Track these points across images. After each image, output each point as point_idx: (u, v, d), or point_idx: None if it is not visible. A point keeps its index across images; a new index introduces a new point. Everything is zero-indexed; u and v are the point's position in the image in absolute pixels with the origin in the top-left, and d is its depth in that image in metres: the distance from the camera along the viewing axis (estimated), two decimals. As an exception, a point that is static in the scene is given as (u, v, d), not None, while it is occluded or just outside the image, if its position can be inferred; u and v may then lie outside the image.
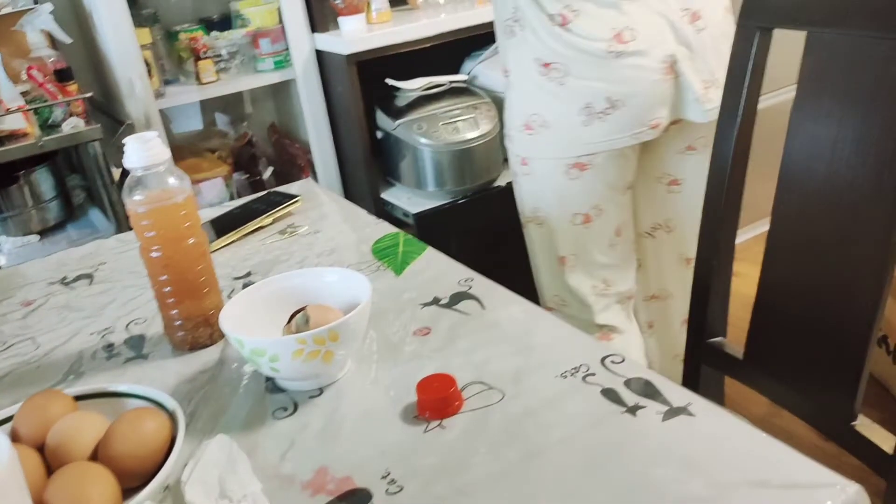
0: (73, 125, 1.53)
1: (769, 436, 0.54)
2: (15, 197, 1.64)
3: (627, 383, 0.61)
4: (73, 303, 0.89)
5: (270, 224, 1.04)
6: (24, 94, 1.55)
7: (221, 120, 2.11)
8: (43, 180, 1.68)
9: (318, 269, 0.73)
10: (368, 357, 0.70)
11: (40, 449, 0.56)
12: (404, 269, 0.86)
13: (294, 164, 2.02)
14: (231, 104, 2.09)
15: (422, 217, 1.70)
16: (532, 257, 1.30)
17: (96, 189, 1.73)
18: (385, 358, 0.69)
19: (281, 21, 1.80)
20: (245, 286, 0.87)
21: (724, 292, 0.98)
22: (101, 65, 1.78)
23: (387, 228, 0.98)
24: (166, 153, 0.70)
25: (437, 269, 0.85)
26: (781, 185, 0.85)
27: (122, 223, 1.64)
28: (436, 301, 0.78)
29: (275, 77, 1.83)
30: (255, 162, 2.00)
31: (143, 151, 0.69)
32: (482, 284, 0.80)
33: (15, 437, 0.58)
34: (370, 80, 1.75)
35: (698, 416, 0.57)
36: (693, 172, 1.20)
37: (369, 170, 1.81)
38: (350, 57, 1.69)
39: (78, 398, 0.62)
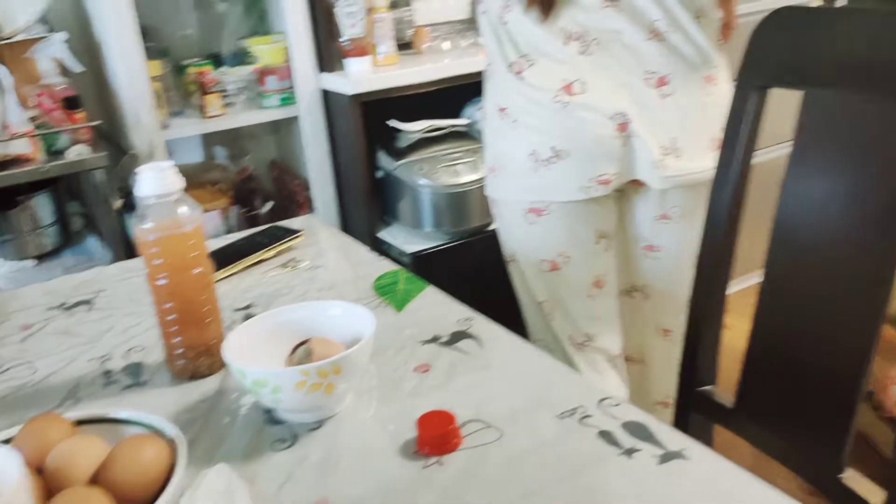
0: (77, 152, 1.55)
1: (763, 482, 0.55)
2: (13, 221, 1.64)
3: (625, 426, 0.62)
4: (72, 328, 0.90)
5: (272, 257, 1.05)
6: (31, 119, 1.57)
7: (222, 154, 2.14)
8: (42, 206, 1.69)
9: (321, 303, 0.74)
10: (368, 392, 0.70)
11: (39, 472, 0.56)
12: (405, 305, 0.87)
13: (293, 199, 2.04)
14: (233, 139, 2.12)
15: (418, 257, 1.71)
16: (518, 299, 1.31)
17: (96, 217, 1.74)
18: (385, 393, 0.70)
19: (288, 59, 1.84)
20: (246, 318, 0.88)
21: (714, 342, 0.99)
22: (109, 94, 1.81)
23: (388, 266, 1.00)
24: (179, 182, 0.71)
25: (437, 307, 0.87)
26: (774, 238, 0.88)
27: (119, 252, 1.65)
28: (435, 339, 0.79)
29: (279, 114, 1.86)
30: (253, 196, 2.02)
31: (158, 180, 0.70)
32: (481, 324, 0.81)
33: (14, 459, 0.58)
34: (373, 121, 1.78)
35: (693, 461, 0.58)
36: (670, 241, 1.15)
37: (368, 208, 1.83)
38: (355, 97, 1.73)
39: (77, 423, 0.63)
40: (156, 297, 0.74)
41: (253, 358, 0.68)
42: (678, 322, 1.14)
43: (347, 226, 1.97)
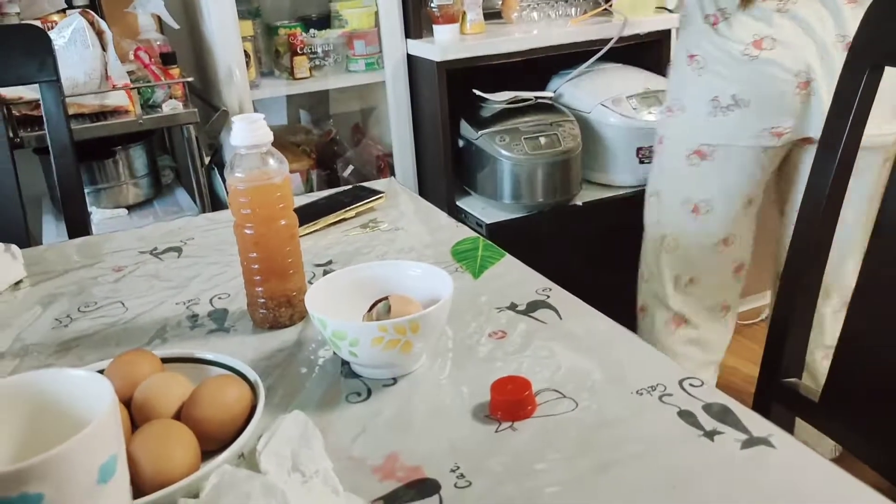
0: (172, 107, 1.60)
1: (849, 474, 0.53)
2: (110, 170, 1.71)
3: (706, 407, 0.60)
4: (162, 273, 0.93)
5: (353, 217, 1.06)
6: (129, 73, 1.62)
7: (306, 117, 2.17)
8: (137, 157, 1.75)
9: (401, 262, 0.74)
10: (443, 354, 0.70)
11: (127, 404, 0.59)
12: (482, 272, 0.87)
13: (374, 164, 2.05)
14: (318, 101, 2.14)
15: (495, 227, 1.70)
16: (644, 231, 1.46)
17: (186, 170, 1.80)
18: (460, 356, 0.70)
19: (377, 24, 1.84)
20: (325, 273, 0.89)
21: (804, 331, 0.95)
22: (203, 52, 1.86)
23: (467, 232, 0.99)
24: (269, 135, 0.72)
25: (514, 275, 0.86)
26: (878, 231, 0.83)
27: (206, 206, 1.70)
28: (513, 307, 0.78)
29: (365, 78, 1.87)
30: (335, 159, 2.04)
31: (250, 131, 0.71)
32: (560, 295, 0.80)
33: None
34: (456, 89, 1.77)
35: (779, 449, 0.55)
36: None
37: (448, 177, 1.83)
38: (441, 64, 1.72)
39: (164, 360, 0.65)
40: (241, 245, 0.75)
41: (333, 311, 0.69)
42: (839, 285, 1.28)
43: (426, 193, 1.97)
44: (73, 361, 0.73)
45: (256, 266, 0.75)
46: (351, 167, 1.99)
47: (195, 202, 1.75)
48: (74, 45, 1.55)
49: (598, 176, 1.85)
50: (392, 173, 2.00)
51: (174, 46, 1.73)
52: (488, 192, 1.77)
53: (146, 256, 0.99)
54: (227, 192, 0.74)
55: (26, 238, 1.30)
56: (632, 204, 1.71)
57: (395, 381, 0.67)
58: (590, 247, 1.76)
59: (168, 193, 1.87)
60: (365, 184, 1.17)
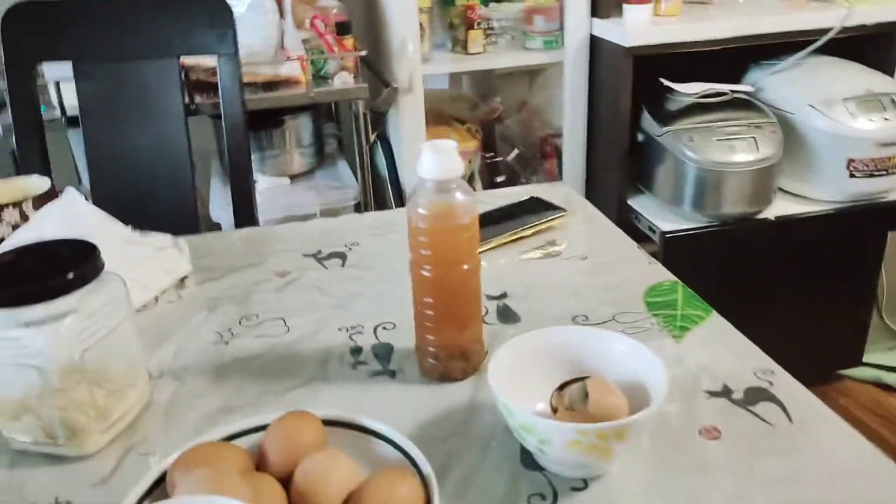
0: (342, 80, 1.54)
1: None
2: (276, 139, 1.70)
3: None
4: (325, 285, 0.87)
5: (530, 236, 0.96)
6: (303, 41, 1.58)
7: (471, 88, 2.06)
8: (304, 126, 1.73)
9: (604, 333, 0.63)
10: (643, 452, 0.59)
11: (284, 480, 0.52)
12: (685, 334, 0.74)
13: (540, 149, 1.93)
14: (484, 75, 2.03)
15: (671, 237, 1.54)
16: None
17: (350, 139, 1.75)
18: (663, 457, 0.58)
19: (560, 0, 1.69)
20: (499, 308, 0.79)
21: None
22: (377, 22, 1.79)
23: (661, 273, 0.86)
24: (460, 168, 0.62)
25: (724, 344, 0.72)
26: None
27: (366, 184, 1.65)
28: (726, 392, 0.65)
29: (543, 57, 1.74)
30: (499, 140, 1.93)
31: (438, 162, 0.61)
32: (784, 383, 0.66)
33: (262, 460, 0.54)
34: (639, 74, 1.60)
35: None
36: None
37: (622, 172, 1.68)
38: (629, 49, 1.55)
39: (327, 423, 0.58)
40: (415, 286, 0.67)
41: (516, 383, 0.59)
42: None
43: (594, 185, 1.83)
44: (230, 395, 0.68)
45: (430, 312, 0.66)
46: (516, 151, 1.88)
47: (356, 177, 1.71)
48: (254, 12, 1.52)
49: (796, 186, 1.63)
50: (559, 159, 1.86)
51: (349, 15, 1.67)
52: (665, 195, 1.60)
53: (310, 262, 0.93)
54: (408, 223, 0.65)
55: (194, 201, 1.29)
56: (836, 223, 1.49)
57: (585, 484, 0.56)
58: (781, 267, 1.57)
59: (330, 164, 1.84)
60: (539, 191, 1.05)
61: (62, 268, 0.59)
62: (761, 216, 1.56)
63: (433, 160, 0.62)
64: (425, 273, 0.65)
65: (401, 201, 1.73)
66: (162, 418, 0.66)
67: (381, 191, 1.80)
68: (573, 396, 0.57)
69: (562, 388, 0.59)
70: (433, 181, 0.62)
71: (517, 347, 0.61)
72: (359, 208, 1.66)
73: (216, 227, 1.62)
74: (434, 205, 0.63)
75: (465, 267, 0.65)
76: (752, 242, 1.56)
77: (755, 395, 0.64)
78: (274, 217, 1.62)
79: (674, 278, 0.84)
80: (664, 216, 1.60)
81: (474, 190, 1.80)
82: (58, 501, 0.57)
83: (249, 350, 0.75)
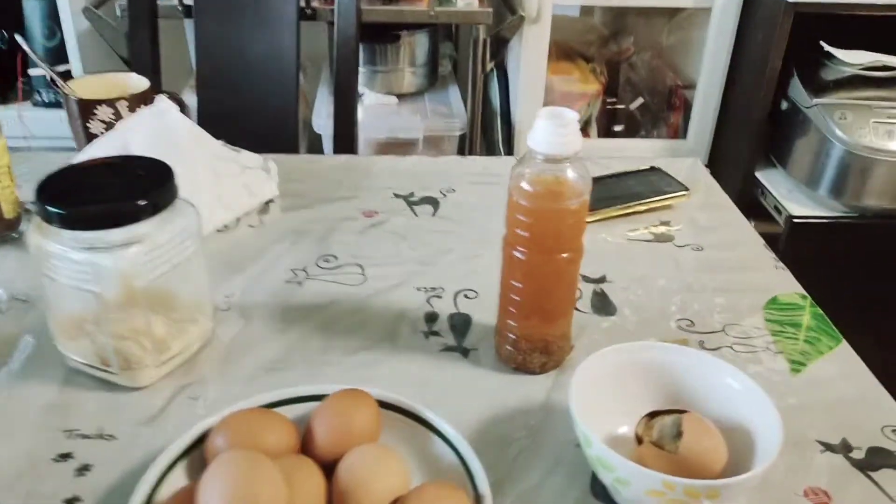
0: (467, 2, 1.43)
1: None
2: (391, 55, 1.62)
3: None
4: (411, 234, 0.81)
5: (643, 212, 0.86)
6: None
7: (602, 23, 1.90)
8: (420, 45, 1.64)
9: (716, 363, 0.54)
10: (733, 504, 0.51)
11: (329, 466, 0.47)
12: (805, 367, 0.64)
13: (667, 100, 1.77)
14: (618, 12, 1.87)
15: (799, 223, 1.39)
16: None
17: (465, 63, 1.66)
18: (756, 517, 0.50)
19: (722, -65, 1.50)
20: (594, 294, 0.71)
21: None
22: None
23: (789, 282, 0.75)
24: (578, 143, 0.54)
25: (852, 387, 0.62)
26: None
27: (475, 115, 1.56)
28: (845, 448, 0.56)
29: (688, 1, 1.56)
30: (623, 85, 1.79)
31: (556, 136, 0.53)
32: (918, 449, 0.56)
33: (308, 439, 0.50)
34: (795, 36, 1.41)
35: None
36: None
37: (756, 139, 1.51)
38: (792, 4, 1.37)
39: (383, 404, 0.53)
40: (505, 266, 0.59)
41: (601, 397, 0.52)
42: None
43: (719, 150, 1.67)
44: (294, 344, 0.64)
45: (517, 298, 0.59)
46: (640, 100, 1.73)
47: (465, 106, 1.62)
48: (383, -85, 1.42)
49: (956, 186, 1.43)
50: (686, 114, 1.71)
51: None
52: (801, 174, 1.44)
53: (400, 204, 0.87)
54: (508, 196, 0.57)
55: (296, 107, 1.25)
56: None
57: (659, 530, 0.49)
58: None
59: (441, 88, 1.75)
60: (663, 164, 0.94)
61: (134, 193, 0.55)
62: (909, 214, 1.39)
63: (548, 130, 0.53)
64: (518, 255, 0.57)
65: (509, 139, 1.63)
66: (220, 360, 0.62)
67: (491, 124, 1.71)
68: (664, 431, 0.49)
69: (652, 415, 0.52)
70: (544, 155, 0.54)
71: (608, 359, 0.54)
72: (463, 141, 1.58)
73: (317, 138, 1.58)
74: (540, 182, 0.55)
75: (565, 256, 0.57)
76: (892, 242, 1.39)
77: (880, 459, 0.55)
78: (375, 137, 1.56)
79: (802, 291, 0.73)
80: (795, 198, 1.44)
81: (587, 137, 1.69)
82: (101, 433, 0.55)
83: (322, 296, 0.71)
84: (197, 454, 0.50)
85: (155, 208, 0.56)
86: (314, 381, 0.59)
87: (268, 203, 0.86)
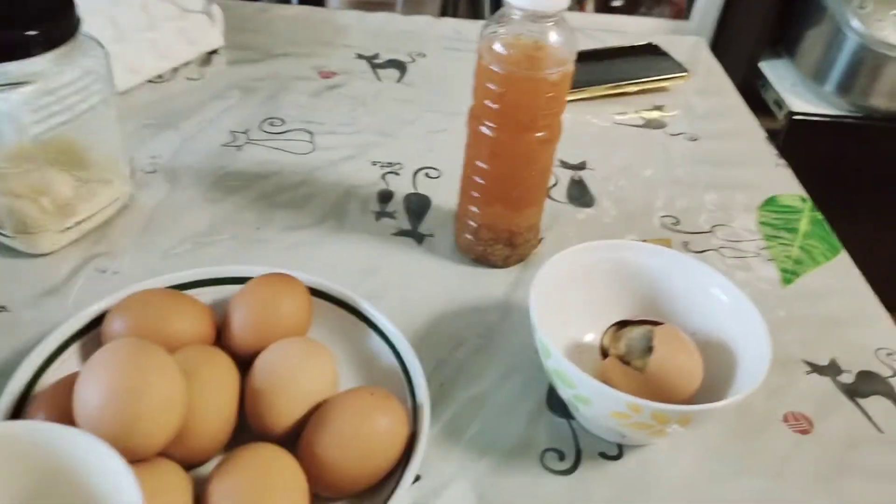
0: None
1: None
2: None
3: None
4: (371, 101, 0.71)
5: (634, 93, 0.77)
6: None
7: None
8: None
9: (701, 267, 0.46)
10: (704, 427, 0.46)
11: (246, 363, 0.41)
12: (798, 275, 0.57)
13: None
14: None
15: (799, 120, 1.30)
16: None
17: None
18: (729, 441, 0.45)
19: None
20: (572, 182, 0.63)
21: None
22: None
23: (789, 181, 0.67)
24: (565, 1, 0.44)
25: (848, 302, 0.55)
26: None
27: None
28: (833, 370, 0.50)
29: None
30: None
31: (539, -16, 0.43)
32: (913, 375, 0.50)
33: (225, 329, 0.43)
34: None
35: None
36: None
37: (763, 25, 1.39)
38: None
39: (315, 292, 0.45)
40: (470, 143, 0.51)
41: (565, 301, 0.45)
42: None
43: (722, 37, 1.54)
44: (225, 216, 0.56)
45: (481, 181, 0.51)
46: (645, -26, 1.58)
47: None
48: None
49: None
50: (691, -5, 1.57)
51: None
52: (808, 67, 1.33)
53: (362, 65, 0.77)
54: (477, 59, 0.48)
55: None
56: None
57: (620, 452, 0.44)
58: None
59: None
60: (664, 42, 0.84)
61: (24, 22, 0.45)
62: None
63: (531, -23, 0.43)
64: (485, 131, 0.49)
65: (497, 3, 1.49)
66: (138, 229, 0.54)
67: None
68: (633, 345, 0.43)
69: (622, 325, 0.45)
70: (523, 11, 0.44)
71: (578, 258, 0.46)
72: (446, 5, 1.44)
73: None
74: (516, 45, 0.45)
75: (539, 135, 0.48)
76: (888, 149, 1.31)
77: (869, 384, 0.49)
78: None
79: (803, 193, 0.66)
80: (798, 92, 1.34)
81: (583, 11, 1.55)
82: (-8, 305, 0.48)
83: (263, 164, 0.62)
84: (94, 337, 0.43)
85: (49, 42, 0.46)
86: (244, 260, 0.52)
87: (211, 54, 0.75)
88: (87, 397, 0.33)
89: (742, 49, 1.45)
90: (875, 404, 0.48)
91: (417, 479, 0.40)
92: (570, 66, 0.46)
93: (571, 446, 0.43)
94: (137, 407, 0.33)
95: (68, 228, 0.51)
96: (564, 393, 0.42)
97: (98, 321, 0.42)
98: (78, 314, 0.42)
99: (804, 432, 0.46)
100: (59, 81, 0.47)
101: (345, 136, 0.66)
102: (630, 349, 0.43)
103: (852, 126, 1.28)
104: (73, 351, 0.42)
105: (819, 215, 0.63)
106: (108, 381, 0.33)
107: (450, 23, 0.86)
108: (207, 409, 0.37)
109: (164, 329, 0.40)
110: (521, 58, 0.45)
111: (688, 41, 0.88)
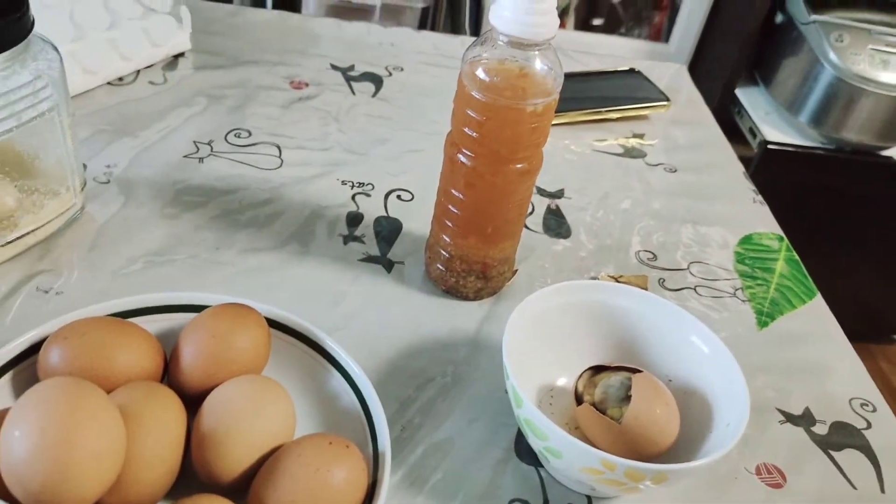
0: None
1: None
2: None
3: None
4: (343, 116, 0.69)
5: (615, 120, 0.75)
6: None
7: None
8: None
9: (680, 314, 0.45)
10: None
11: (193, 402, 0.38)
12: (771, 321, 0.56)
13: (654, -3, 1.62)
14: None
15: (773, 149, 1.30)
16: None
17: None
18: (699, 494, 0.43)
19: None
20: (548, 211, 0.61)
21: None
22: None
23: (766, 219, 0.66)
24: (554, 28, 0.42)
25: (822, 349, 0.54)
26: None
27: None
28: (807, 420, 0.48)
29: None
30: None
31: (528, 14, 0.41)
32: (887, 426, 0.49)
33: (174, 364, 0.40)
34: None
35: None
36: None
37: (742, 53, 1.40)
38: None
39: (273, 324, 0.43)
40: (446, 171, 0.49)
41: (536, 344, 0.43)
42: None
43: (702, 57, 1.55)
44: (182, 234, 0.53)
45: (456, 211, 0.48)
46: (625, -9, 1.58)
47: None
48: None
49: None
50: (672, 16, 1.57)
51: None
52: (783, 96, 1.34)
53: (336, 77, 0.74)
54: (458, 85, 0.45)
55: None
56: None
57: (589, 503, 0.42)
58: (884, 215, 1.34)
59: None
60: (645, 69, 0.82)
61: (-32, 19, 0.42)
62: (884, 154, 1.31)
63: (519, 5, 0.41)
64: (463, 160, 0.46)
65: (477, 20, 1.47)
66: (87, 245, 0.51)
67: (458, 2, 1.54)
68: (609, 393, 0.41)
69: (597, 370, 0.43)
70: (509, 37, 0.42)
71: (552, 299, 0.44)
72: (426, 16, 1.41)
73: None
74: (501, 72, 0.43)
75: (519, 167, 0.46)
76: (863, 180, 1.32)
77: (843, 436, 0.48)
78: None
79: (780, 232, 0.65)
80: (772, 121, 1.35)
81: (563, 28, 1.54)
82: (-80, 325, 0.44)
83: (226, 178, 0.59)
84: (31, 365, 0.39)
85: (-4, 44, 0.42)
86: (200, 283, 0.49)
87: (177, 57, 0.72)
88: (13, 446, 0.30)
89: (718, 74, 1.45)
90: (849, 457, 0.46)
91: (375, 532, 0.37)
92: (556, 97, 0.44)
93: (539, 497, 0.41)
94: (68, 459, 0.30)
95: (9, 242, 0.48)
96: (535, 444, 0.39)
97: (36, 347, 0.39)
98: (9, 344, 0.38)
99: (776, 486, 0.44)
100: (5, 86, 0.43)
101: (314, 152, 0.63)
102: (606, 397, 0.41)
103: (824, 157, 1.29)
104: (5, 385, 0.39)
105: (794, 256, 0.62)
106: (36, 429, 0.30)
107: (430, 37, 0.84)
108: (149, 455, 0.34)
109: (105, 363, 0.37)
110: (504, 86, 0.43)
111: (670, 68, 0.87)
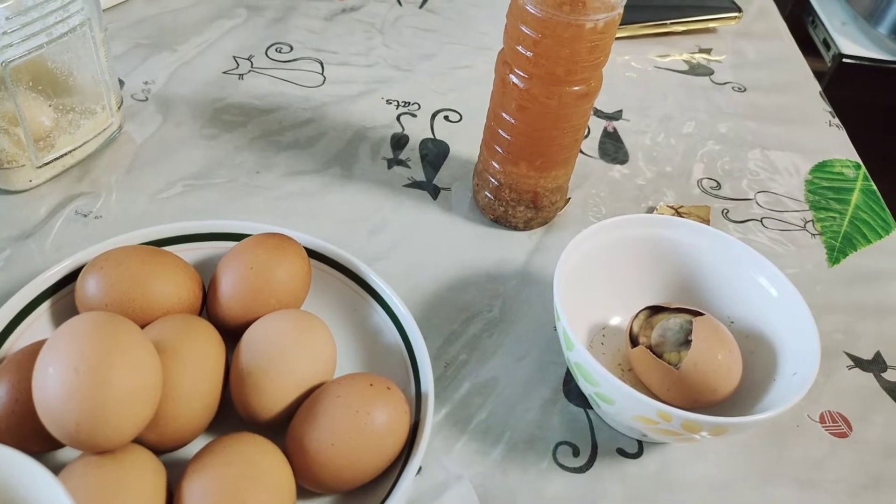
0: None
1: None
2: None
3: None
4: (389, 31, 0.65)
5: (681, 32, 0.69)
6: None
7: None
8: None
9: (748, 253, 0.41)
10: (733, 425, 0.42)
11: (236, 333, 0.37)
12: (844, 257, 0.52)
13: None
14: None
15: (848, 63, 1.21)
16: None
17: None
18: (758, 444, 0.41)
19: None
20: (604, 134, 0.58)
21: None
22: None
23: (843, 145, 0.61)
24: (623, -72, 0.37)
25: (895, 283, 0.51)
26: None
27: None
28: (878, 366, 0.45)
29: None
30: None
31: (591, -88, 0.36)
32: (964, 377, 0.46)
33: (212, 294, 0.38)
34: None
35: None
36: None
37: (819, -43, 1.28)
38: None
39: (313, 254, 0.41)
40: (497, 93, 0.45)
41: (590, 282, 0.41)
42: None
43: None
44: (222, 155, 0.51)
45: (507, 136, 0.45)
46: None
47: None
48: None
49: None
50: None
51: None
52: (861, 4, 1.23)
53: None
54: (510, 6, 0.42)
55: None
56: None
57: (640, 449, 0.40)
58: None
59: None
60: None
61: (-11, -76, 0.39)
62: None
63: None
64: (515, 81, 0.43)
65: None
66: (125, 167, 0.49)
67: None
68: (668, 336, 0.39)
69: (655, 311, 0.40)
70: (571, -60, 0.37)
71: (607, 233, 0.41)
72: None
73: None
74: (560, -21, 0.39)
75: (577, 89, 0.42)
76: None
77: (917, 386, 0.45)
78: None
79: (857, 159, 0.60)
80: (849, 33, 1.24)
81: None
82: (-39, 248, 0.43)
83: (266, 96, 0.56)
84: (70, 292, 0.39)
85: (19, -48, 0.40)
86: (239, 208, 0.47)
87: (217, -36, 0.68)
88: (47, 384, 0.29)
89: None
90: (921, 408, 0.44)
91: (418, 471, 0.36)
92: (620, 11, 0.40)
93: (587, 441, 0.39)
94: (103, 399, 0.29)
95: (46, 164, 0.46)
96: (585, 388, 0.38)
97: (74, 275, 0.38)
98: (45, 272, 0.38)
99: (841, 435, 0.42)
100: (34, 0, 0.41)
101: (358, 68, 0.60)
102: (664, 340, 0.39)
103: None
104: (45, 312, 0.38)
105: (872, 186, 0.58)
106: (70, 368, 0.29)
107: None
108: (187, 392, 0.33)
109: (142, 294, 0.36)
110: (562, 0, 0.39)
111: (742, -25, 0.79)
